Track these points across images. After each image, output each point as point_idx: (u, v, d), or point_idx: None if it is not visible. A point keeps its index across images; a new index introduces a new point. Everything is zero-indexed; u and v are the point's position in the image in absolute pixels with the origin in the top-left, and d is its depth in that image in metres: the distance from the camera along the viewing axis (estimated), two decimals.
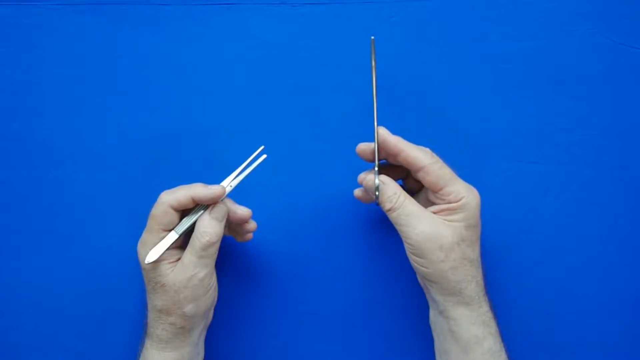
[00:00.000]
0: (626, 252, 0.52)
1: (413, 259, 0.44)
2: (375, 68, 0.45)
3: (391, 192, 0.44)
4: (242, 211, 0.45)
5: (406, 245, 0.44)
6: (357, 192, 0.49)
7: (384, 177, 0.45)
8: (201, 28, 0.56)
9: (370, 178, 0.45)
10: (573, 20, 0.55)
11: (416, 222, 0.43)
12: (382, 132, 0.44)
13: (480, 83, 0.54)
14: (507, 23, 0.55)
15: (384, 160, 0.47)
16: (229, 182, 0.45)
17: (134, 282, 0.51)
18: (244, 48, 0.55)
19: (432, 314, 0.47)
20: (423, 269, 0.43)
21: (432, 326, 0.47)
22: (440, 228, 0.42)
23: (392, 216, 0.44)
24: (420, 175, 0.44)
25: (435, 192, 0.44)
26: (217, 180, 0.45)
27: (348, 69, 0.55)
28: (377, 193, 0.44)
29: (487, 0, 0.55)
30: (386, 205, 0.44)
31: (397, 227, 0.44)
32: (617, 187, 0.53)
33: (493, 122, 0.54)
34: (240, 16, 0.56)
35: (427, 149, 0.44)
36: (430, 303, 0.47)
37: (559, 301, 0.51)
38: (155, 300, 0.43)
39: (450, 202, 0.43)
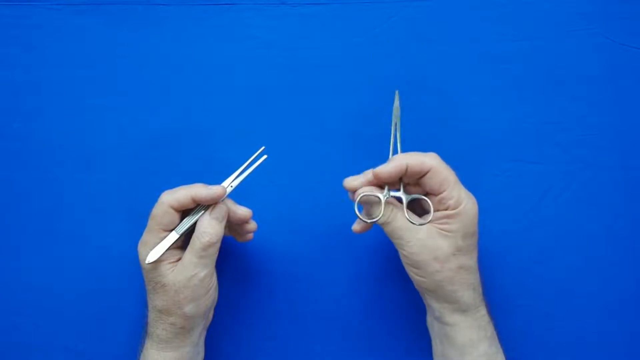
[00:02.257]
0: (626, 252, 0.52)
1: (409, 269, 0.44)
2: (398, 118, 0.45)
3: (387, 208, 0.43)
4: (243, 211, 0.45)
5: (401, 256, 0.44)
6: (356, 226, 0.47)
7: (376, 192, 0.43)
8: (201, 28, 0.56)
9: (365, 191, 0.43)
10: (573, 20, 0.55)
11: (410, 234, 0.42)
12: (377, 171, 0.42)
13: (480, 83, 0.54)
14: (507, 23, 0.55)
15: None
16: (230, 183, 0.45)
17: (134, 282, 0.51)
18: (244, 48, 0.55)
19: (429, 317, 0.47)
20: (419, 278, 0.43)
21: (429, 329, 0.47)
22: (435, 239, 0.42)
23: (387, 230, 0.43)
24: (427, 177, 0.42)
25: (437, 194, 0.42)
26: (218, 180, 0.45)
27: (348, 69, 0.55)
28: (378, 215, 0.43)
29: (487, 0, 0.56)
30: (380, 220, 0.43)
31: (392, 240, 0.44)
32: (617, 187, 0.53)
33: (493, 122, 0.54)
34: (240, 16, 0.56)
35: (434, 153, 0.43)
36: (427, 307, 0.47)
37: (558, 301, 0.51)
38: (156, 300, 0.43)
39: (448, 208, 0.42)
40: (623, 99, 0.54)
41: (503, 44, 0.55)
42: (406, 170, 0.42)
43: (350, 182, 0.44)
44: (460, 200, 0.42)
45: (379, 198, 0.43)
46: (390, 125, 0.45)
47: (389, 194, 0.43)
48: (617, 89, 0.54)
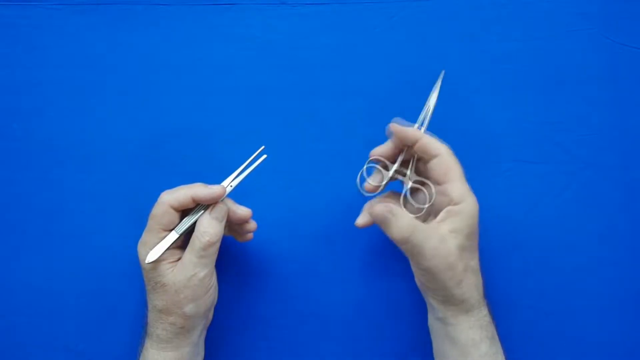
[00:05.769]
0: (626, 252, 0.52)
1: (421, 278, 0.44)
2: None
3: (404, 222, 0.41)
4: (243, 211, 0.45)
5: (415, 270, 0.44)
6: (359, 220, 0.46)
7: (392, 207, 0.41)
8: (201, 28, 0.56)
9: (380, 207, 0.41)
10: (573, 20, 0.55)
11: (428, 248, 0.40)
12: (393, 125, 0.44)
13: (480, 83, 0.54)
14: (507, 23, 0.55)
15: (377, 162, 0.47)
16: (230, 182, 0.45)
17: (134, 282, 0.51)
18: (244, 48, 0.55)
19: (431, 318, 0.47)
20: (428, 284, 0.43)
21: (430, 329, 0.47)
22: (446, 243, 0.41)
23: (405, 248, 0.41)
24: (435, 163, 0.43)
25: (440, 183, 0.43)
26: (217, 180, 0.45)
27: (348, 69, 0.55)
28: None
29: (487, 0, 0.56)
30: (396, 237, 0.41)
31: (409, 257, 0.42)
32: (617, 187, 0.53)
33: (493, 122, 0.54)
34: (240, 16, 0.56)
35: (448, 146, 0.44)
36: (429, 308, 0.47)
37: (558, 301, 0.51)
38: (156, 300, 0.43)
39: (450, 203, 0.42)
40: (623, 99, 0.54)
41: (503, 44, 0.55)
42: (417, 142, 0.44)
43: (376, 149, 0.46)
44: (462, 197, 0.42)
45: (384, 168, 0.46)
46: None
47: (396, 167, 0.46)
48: (617, 89, 0.54)
